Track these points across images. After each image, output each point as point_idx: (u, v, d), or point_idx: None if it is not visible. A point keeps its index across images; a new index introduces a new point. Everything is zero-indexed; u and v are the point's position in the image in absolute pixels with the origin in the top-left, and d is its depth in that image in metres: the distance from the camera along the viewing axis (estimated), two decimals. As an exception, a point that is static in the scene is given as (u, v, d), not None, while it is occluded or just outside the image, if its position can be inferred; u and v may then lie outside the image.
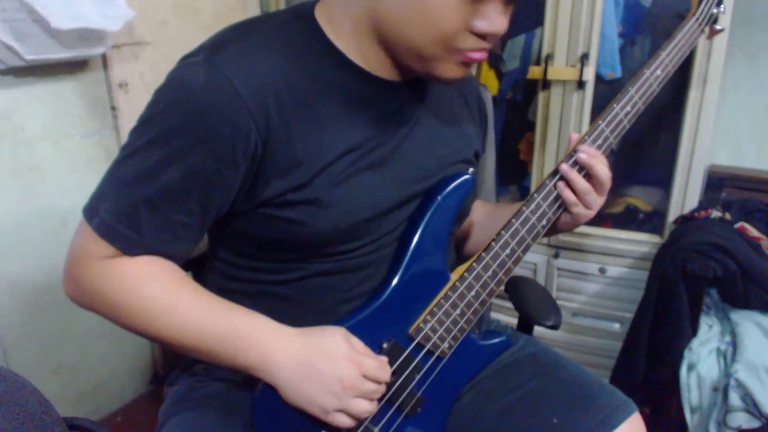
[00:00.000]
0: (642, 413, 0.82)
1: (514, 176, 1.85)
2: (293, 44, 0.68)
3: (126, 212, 0.65)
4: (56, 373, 1.52)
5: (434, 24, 0.63)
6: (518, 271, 1.89)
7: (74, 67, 1.43)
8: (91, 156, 1.51)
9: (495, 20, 0.64)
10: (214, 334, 0.66)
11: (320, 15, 0.70)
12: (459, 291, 0.75)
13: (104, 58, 1.49)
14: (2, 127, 1.32)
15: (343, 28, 0.68)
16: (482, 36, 0.65)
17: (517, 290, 1.10)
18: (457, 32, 0.64)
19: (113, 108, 1.54)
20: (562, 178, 0.78)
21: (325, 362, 0.65)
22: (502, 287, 0.81)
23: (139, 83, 1.57)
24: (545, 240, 1.71)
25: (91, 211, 0.66)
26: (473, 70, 1.77)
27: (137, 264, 0.67)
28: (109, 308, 0.68)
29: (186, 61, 0.66)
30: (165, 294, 0.67)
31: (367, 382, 0.67)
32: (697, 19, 0.85)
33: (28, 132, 1.37)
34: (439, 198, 0.75)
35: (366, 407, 0.67)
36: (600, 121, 0.80)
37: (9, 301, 1.38)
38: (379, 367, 0.68)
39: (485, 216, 0.97)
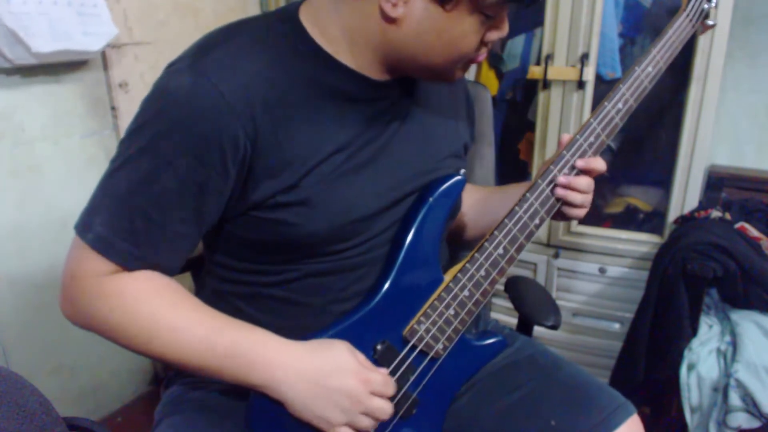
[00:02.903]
0: (642, 413, 0.82)
1: (514, 176, 1.85)
2: (279, 46, 0.67)
3: (121, 225, 0.64)
4: (56, 373, 1.52)
5: (456, 49, 0.66)
6: (518, 271, 1.90)
7: (74, 67, 1.43)
8: (91, 156, 1.51)
9: (503, 28, 0.68)
10: (216, 353, 0.65)
11: (305, 17, 0.69)
12: (452, 292, 0.75)
13: (104, 58, 1.49)
14: (2, 127, 1.32)
15: (332, 33, 0.68)
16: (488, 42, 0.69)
17: (517, 290, 1.10)
18: (476, 50, 0.68)
19: (113, 108, 1.54)
20: (564, 187, 0.78)
21: (333, 380, 0.66)
22: (497, 287, 0.81)
23: (139, 83, 1.57)
24: (545, 240, 1.71)
25: (83, 227, 0.65)
26: (473, 70, 1.77)
27: (135, 281, 0.66)
28: (108, 328, 0.67)
29: (171, 68, 0.66)
30: (165, 312, 0.66)
31: (373, 399, 0.68)
32: (688, 15, 0.85)
33: (28, 132, 1.37)
34: (431, 199, 0.75)
35: (371, 422, 0.69)
36: (591, 119, 0.80)
37: (9, 301, 1.38)
38: (384, 381, 0.69)
39: (477, 203, 0.96)
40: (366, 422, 0.68)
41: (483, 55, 0.71)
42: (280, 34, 0.68)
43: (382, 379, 0.69)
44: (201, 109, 0.62)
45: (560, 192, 0.78)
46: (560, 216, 0.83)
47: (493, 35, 0.68)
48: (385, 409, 0.69)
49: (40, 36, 1.25)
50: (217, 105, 0.62)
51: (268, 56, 0.66)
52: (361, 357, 0.70)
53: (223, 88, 0.62)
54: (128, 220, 0.64)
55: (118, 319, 0.66)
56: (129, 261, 0.65)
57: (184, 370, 0.69)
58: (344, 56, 0.69)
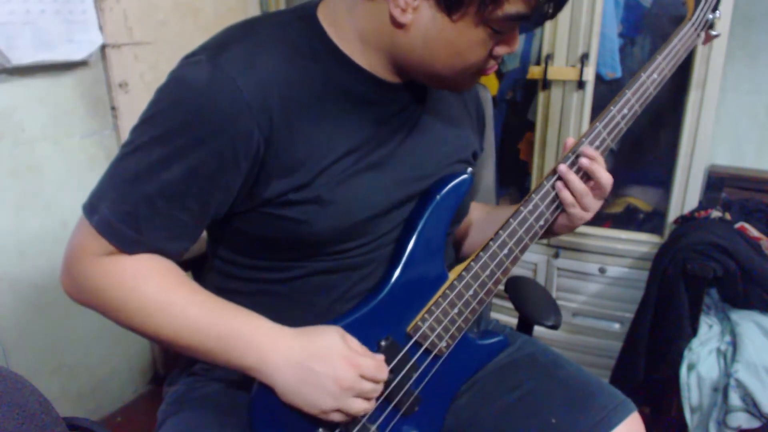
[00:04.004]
0: (642, 413, 0.82)
1: (514, 177, 1.85)
2: (297, 45, 0.68)
3: (126, 210, 0.65)
4: (56, 373, 1.52)
5: (463, 61, 0.67)
6: (518, 271, 1.90)
7: (74, 67, 1.43)
8: (91, 156, 1.52)
9: (514, 43, 0.68)
10: (209, 334, 0.66)
11: (323, 16, 0.70)
12: (457, 290, 0.76)
13: (104, 58, 1.49)
14: (2, 127, 1.32)
15: (347, 34, 0.69)
16: (498, 55, 0.69)
17: (517, 290, 1.10)
18: (483, 62, 0.68)
19: (113, 108, 1.54)
20: (560, 178, 0.79)
21: (321, 363, 0.65)
22: (501, 287, 0.81)
23: (139, 83, 1.57)
24: (545, 240, 1.71)
25: (90, 209, 0.66)
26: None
27: (135, 261, 0.67)
28: (106, 305, 0.67)
29: (189, 60, 0.66)
30: (163, 292, 0.66)
31: (364, 382, 0.67)
32: (693, 24, 0.86)
33: (28, 132, 1.37)
34: (438, 197, 0.75)
35: (363, 406, 0.67)
36: (597, 123, 0.81)
37: (9, 301, 1.38)
38: (376, 366, 0.68)
39: (483, 217, 0.97)
40: (359, 405, 0.67)
41: (492, 68, 0.71)
42: (298, 32, 0.69)
43: (373, 363, 0.68)
44: (217, 103, 0.62)
45: (557, 185, 0.79)
46: (563, 227, 0.83)
47: (502, 50, 0.68)
48: (377, 390, 0.68)
49: (22, 47, 1.26)
50: (233, 99, 0.62)
51: (286, 54, 0.66)
52: (354, 342, 0.69)
53: (241, 84, 0.62)
54: (133, 205, 0.64)
55: (116, 296, 0.66)
56: (129, 246, 0.66)
57: (177, 350, 0.69)
58: (358, 57, 0.69)
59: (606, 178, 0.79)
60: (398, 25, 0.64)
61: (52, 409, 0.64)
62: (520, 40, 1.65)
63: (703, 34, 0.88)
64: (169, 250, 0.69)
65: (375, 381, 0.68)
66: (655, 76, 0.83)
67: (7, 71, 1.30)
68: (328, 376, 0.65)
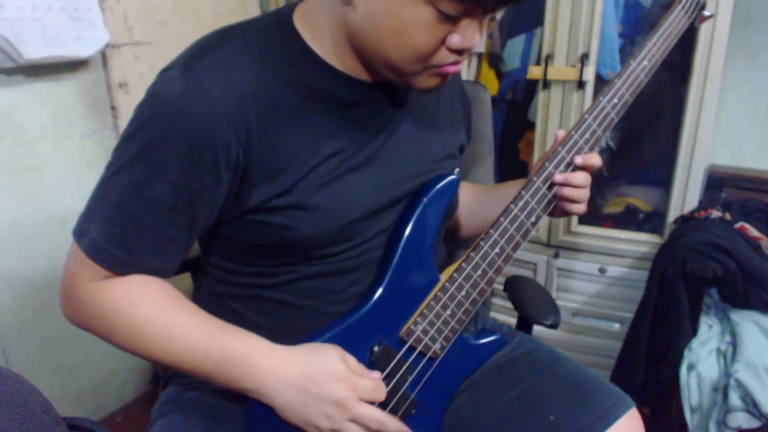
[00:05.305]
0: (642, 413, 0.82)
1: (514, 176, 1.84)
2: (272, 51, 0.67)
3: (114, 231, 0.64)
4: (56, 373, 1.52)
5: (408, 43, 0.62)
6: (518, 270, 1.90)
7: (74, 67, 1.43)
8: (91, 156, 1.52)
9: (470, 37, 0.63)
10: (209, 358, 0.66)
11: (299, 20, 0.69)
12: (449, 292, 0.75)
13: (104, 58, 1.49)
14: (2, 127, 1.32)
15: (322, 33, 0.68)
16: (457, 50, 0.64)
17: (516, 290, 1.10)
18: (432, 50, 0.63)
19: (113, 108, 1.54)
20: (561, 185, 0.78)
21: (320, 386, 0.66)
22: (496, 286, 0.80)
23: (139, 83, 1.57)
24: (545, 240, 1.71)
25: (80, 233, 0.66)
26: (473, 70, 1.77)
27: (130, 285, 0.67)
28: (104, 330, 0.68)
29: (163, 74, 0.66)
30: (160, 316, 0.66)
31: (362, 405, 0.67)
32: (683, 7, 0.84)
33: (28, 132, 1.37)
34: (425, 200, 0.75)
35: (359, 429, 0.68)
36: (586, 115, 0.79)
37: (9, 300, 1.38)
38: (374, 388, 0.69)
39: (472, 201, 0.96)
40: (353, 429, 0.67)
41: (453, 66, 0.65)
42: (273, 38, 0.68)
43: (371, 384, 0.68)
44: (193, 115, 0.62)
45: (558, 190, 0.78)
46: (559, 212, 0.82)
47: (456, 40, 0.62)
48: (374, 416, 0.68)
49: (32, 42, 1.26)
50: (208, 111, 0.62)
51: (261, 62, 0.66)
52: (353, 362, 0.69)
53: (216, 94, 0.62)
54: (120, 226, 0.64)
55: (114, 323, 0.67)
56: (120, 267, 0.66)
57: (180, 372, 0.69)
58: (332, 58, 0.69)
59: (598, 159, 0.79)
60: (346, 1, 0.63)
61: (52, 409, 0.64)
62: (520, 41, 1.66)
63: (695, 16, 0.86)
64: (161, 267, 0.69)
65: (372, 402, 0.69)
66: (645, 62, 0.81)
67: (7, 71, 1.30)
68: (326, 399, 0.66)
